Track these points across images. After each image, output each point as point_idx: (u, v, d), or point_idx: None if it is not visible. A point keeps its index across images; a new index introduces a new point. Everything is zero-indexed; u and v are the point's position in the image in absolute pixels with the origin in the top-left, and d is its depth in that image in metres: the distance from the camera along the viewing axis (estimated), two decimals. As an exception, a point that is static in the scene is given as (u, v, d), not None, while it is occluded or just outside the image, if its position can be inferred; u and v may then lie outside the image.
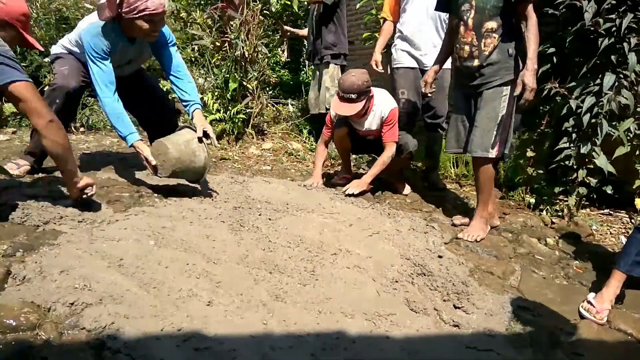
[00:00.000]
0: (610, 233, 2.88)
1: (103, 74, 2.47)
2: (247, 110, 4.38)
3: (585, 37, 2.91)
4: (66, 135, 2.04)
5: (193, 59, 4.93)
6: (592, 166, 2.92)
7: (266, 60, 4.64)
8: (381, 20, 3.90)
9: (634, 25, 2.71)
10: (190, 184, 2.79)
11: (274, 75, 5.40)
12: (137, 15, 2.39)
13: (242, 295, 1.71)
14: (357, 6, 4.91)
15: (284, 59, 6.02)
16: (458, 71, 2.60)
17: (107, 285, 1.60)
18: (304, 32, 4.76)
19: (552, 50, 3.11)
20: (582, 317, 1.93)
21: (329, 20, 4.19)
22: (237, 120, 4.28)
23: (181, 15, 5.91)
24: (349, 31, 5.05)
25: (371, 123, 3.13)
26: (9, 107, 3.95)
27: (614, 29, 2.73)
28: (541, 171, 3.20)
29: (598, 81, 2.82)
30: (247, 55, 4.29)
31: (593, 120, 2.81)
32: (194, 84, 2.81)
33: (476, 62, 2.44)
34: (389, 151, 3.11)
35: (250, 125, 4.45)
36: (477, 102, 2.50)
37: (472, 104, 2.56)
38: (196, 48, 5.10)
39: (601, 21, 2.76)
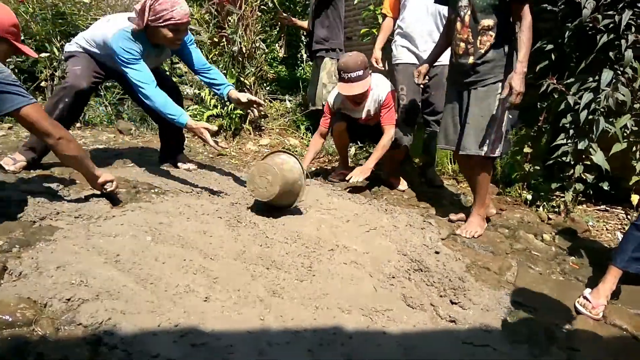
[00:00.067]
0: (607, 229, 2.90)
1: (141, 74, 2.49)
2: (244, 106, 4.37)
3: (583, 34, 2.90)
4: (77, 145, 2.11)
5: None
6: (589, 162, 2.92)
7: (264, 55, 4.63)
8: (380, 17, 3.89)
9: (632, 22, 2.71)
10: (190, 183, 2.78)
11: (271, 71, 5.38)
12: (162, 24, 2.44)
13: (239, 291, 1.71)
14: (355, 1, 4.89)
15: (282, 54, 5.99)
16: (453, 67, 2.60)
17: (103, 281, 1.60)
18: (304, 23, 4.72)
19: (550, 46, 3.10)
20: (578, 312, 1.94)
21: (322, 15, 4.16)
22: (234, 116, 4.28)
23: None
24: (347, 27, 5.04)
25: (369, 108, 3.11)
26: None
27: (612, 25, 2.73)
28: (538, 167, 3.21)
29: (596, 77, 2.82)
30: (244, 51, 4.27)
31: (590, 117, 2.81)
32: (219, 72, 2.93)
33: (471, 60, 2.44)
34: (388, 134, 3.08)
35: (247, 121, 4.44)
36: (470, 100, 2.48)
37: (464, 100, 2.55)
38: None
39: (600, 17, 2.75)
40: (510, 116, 3.39)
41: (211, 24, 4.45)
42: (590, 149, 2.87)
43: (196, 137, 2.66)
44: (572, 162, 2.95)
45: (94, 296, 1.51)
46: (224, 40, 4.42)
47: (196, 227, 2.16)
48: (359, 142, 4.49)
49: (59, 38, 4.21)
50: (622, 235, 2.67)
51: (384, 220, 2.60)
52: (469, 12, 2.39)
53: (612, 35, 2.74)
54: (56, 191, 2.32)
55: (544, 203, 3.10)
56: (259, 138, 4.48)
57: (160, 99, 2.49)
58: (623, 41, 2.71)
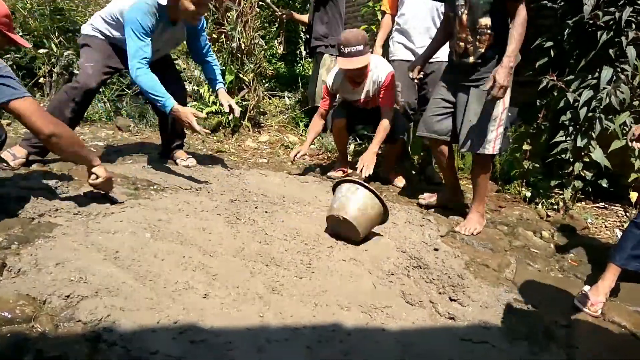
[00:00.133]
0: (605, 226, 2.90)
1: (141, 50, 2.51)
2: (244, 103, 4.36)
3: (583, 31, 2.90)
4: (69, 140, 2.02)
5: (188, 51, 4.89)
6: (588, 160, 2.93)
7: (263, 52, 4.62)
8: (379, 14, 3.88)
9: (632, 19, 2.70)
10: (189, 179, 2.78)
11: (270, 68, 5.36)
12: None
13: (238, 287, 1.71)
14: (355, -2, 4.89)
15: (281, 51, 5.97)
16: (452, 66, 2.59)
17: (102, 277, 1.60)
18: (304, 17, 4.69)
19: (550, 43, 3.10)
20: (577, 309, 1.94)
21: (320, 10, 4.14)
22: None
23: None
24: (347, 23, 5.02)
25: (368, 89, 3.10)
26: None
27: (612, 22, 2.72)
28: (537, 165, 3.21)
29: (596, 75, 2.81)
30: (243, 47, 4.26)
31: (590, 114, 2.81)
32: (219, 67, 3.12)
33: (471, 59, 2.43)
34: (388, 116, 3.07)
35: (246, 117, 4.43)
36: (470, 98, 2.48)
37: (461, 99, 2.55)
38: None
39: (600, 14, 2.75)
40: (510, 114, 3.40)
41: (210, 20, 4.44)
42: (590, 146, 2.87)
43: (183, 123, 2.60)
44: (571, 160, 2.95)
45: (93, 293, 1.50)
46: (222, 36, 4.41)
47: (195, 224, 2.16)
48: (358, 139, 4.49)
49: (57, 34, 4.19)
50: (621, 233, 2.68)
51: (383, 217, 2.60)
52: (467, 12, 2.38)
53: (612, 33, 2.74)
54: (55, 188, 2.32)
55: (543, 200, 3.10)
56: (258, 135, 4.48)
57: (149, 79, 2.51)
58: (623, 38, 2.70)
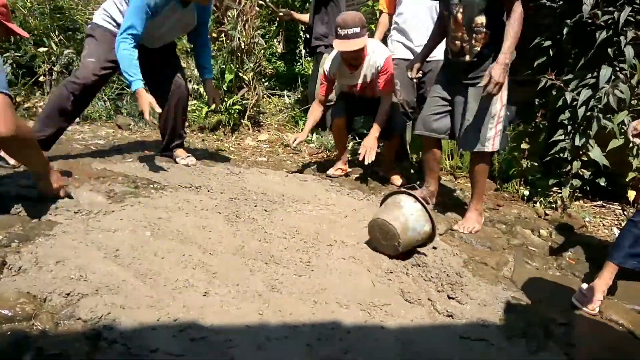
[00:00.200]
0: (603, 225, 2.91)
1: (134, 28, 2.53)
2: (243, 102, 4.36)
3: (582, 30, 2.90)
4: (25, 146, 1.89)
5: (189, 50, 4.89)
6: (586, 158, 2.93)
7: (262, 51, 4.61)
8: (377, 13, 3.89)
9: (631, 19, 2.71)
10: (189, 178, 2.78)
11: (270, 67, 5.36)
12: None
13: (238, 285, 1.71)
14: (354, -3, 4.89)
15: (280, 50, 5.97)
16: (449, 64, 2.60)
17: (103, 275, 1.60)
18: (304, 16, 4.68)
19: (548, 42, 3.10)
20: (574, 307, 1.95)
21: (321, 10, 4.14)
22: (233, 112, 4.27)
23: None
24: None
25: (366, 74, 3.08)
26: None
27: (611, 21, 2.73)
28: (536, 163, 3.22)
29: (594, 74, 2.82)
30: (243, 46, 4.26)
31: (588, 113, 2.82)
32: (210, 57, 3.24)
33: (467, 58, 2.44)
34: (387, 102, 3.07)
35: (246, 116, 4.43)
36: (469, 97, 2.48)
37: (458, 97, 2.55)
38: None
39: (599, 13, 2.75)
40: (508, 112, 3.41)
41: (210, 19, 4.44)
42: (588, 145, 2.88)
43: (139, 107, 2.66)
44: (570, 158, 2.96)
45: (94, 291, 1.51)
46: (222, 35, 4.41)
47: (195, 222, 2.17)
48: (357, 138, 4.49)
49: (57, 32, 4.19)
50: (618, 231, 2.69)
51: (382, 215, 2.60)
52: (461, 10, 2.38)
53: (610, 32, 2.74)
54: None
55: (541, 199, 3.11)
56: (258, 134, 4.48)
57: (128, 56, 2.53)
58: (622, 37, 2.71)
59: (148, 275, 1.67)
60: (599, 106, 2.77)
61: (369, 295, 1.80)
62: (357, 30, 2.85)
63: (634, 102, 2.83)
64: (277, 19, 5.03)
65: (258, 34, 4.44)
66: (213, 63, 4.33)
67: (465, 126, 2.50)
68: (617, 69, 2.78)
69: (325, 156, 4.10)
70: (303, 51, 5.86)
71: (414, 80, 2.89)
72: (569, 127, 2.94)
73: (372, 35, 3.77)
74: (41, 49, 4.02)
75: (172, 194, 2.49)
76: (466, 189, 3.32)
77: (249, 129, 4.43)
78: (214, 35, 4.48)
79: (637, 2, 2.70)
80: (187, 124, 3.55)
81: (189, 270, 1.76)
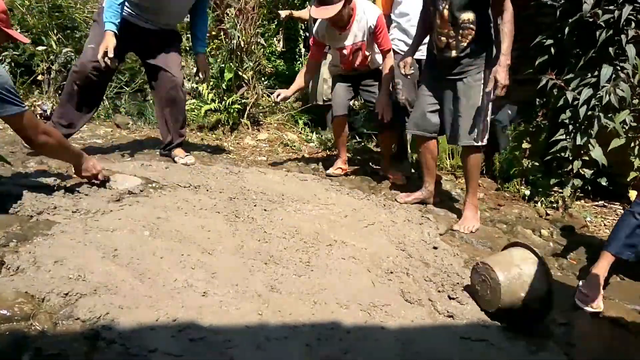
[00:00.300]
0: (604, 225, 2.90)
1: None
2: (243, 101, 4.35)
3: (583, 29, 2.89)
4: (54, 150, 2.18)
5: (188, 48, 4.88)
6: (587, 158, 2.93)
7: (262, 50, 4.60)
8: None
9: (632, 18, 2.70)
10: (187, 177, 2.77)
11: (269, 65, 5.34)
12: None
13: (237, 285, 1.71)
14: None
15: (280, 48, 5.96)
16: (434, 60, 2.59)
17: (101, 275, 1.59)
18: (304, 14, 4.66)
19: (550, 41, 3.09)
20: (577, 308, 1.94)
21: None
22: (232, 111, 4.25)
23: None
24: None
25: (356, 34, 3.06)
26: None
27: (612, 20, 2.72)
28: (537, 163, 3.21)
29: (595, 73, 2.81)
30: (243, 45, 4.25)
31: (589, 113, 2.81)
32: (205, 31, 3.24)
33: (454, 53, 2.44)
34: (390, 58, 3.08)
35: (245, 115, 4.42)
36: (457, 92, 2.50)
37: (445, 92, 2.56)
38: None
39: (600, 12, 2.75)
40: (509, 112, 3.40)
41: (210, 17, 4.43)
42: (589, 145, 2.87)
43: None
44: (571, 158, 2.96)
45: (92, 291, 1.50)
46: (222, 34, 4.40)
47: (194, 221, 2.16)
48: (357, 137, 4.49)
49: (55, 31, 4.17)
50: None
51: (382, 215, 2.60)
52: (447, 6, 2.38)
53: (611, 31, 2.73)
54: (53, 186, 2.31)
55: (542, 199, 3.11)
56: (257, 133, 4.47)
57: (114, 3, 2.58)
58: (623, 36, 2.70)
59: (147, 275, 1.66)
60: (600, 105, 2.76)
61: (369, 295, 1.79)
62: None
63: (635, 101, 2.82)
64: (277, 17, 5.01)
65: (258, 32, 4.42)
66: (212, 62, 4.32)
67: (456, 121, 2.52)
68: (618, 68, 2.77)
69: (325, 155, 4.09)
70: (303, 50, 5.84)
71: (408, 77, 2.89)
72: (570, 127, 2.94)
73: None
74: (39, 48, 4.00)
75: (171, 194, 2.48)
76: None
77: (248, 128, 4.42)
78: (214, 33, 4.46)
79: (638, 1, 2.70)
80: (186, 122, 3.52)
81: (188, 270, 1.75)
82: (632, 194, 2.91)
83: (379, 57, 3.20)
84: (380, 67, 3.21)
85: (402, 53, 3.31)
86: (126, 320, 1.40)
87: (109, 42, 2.58)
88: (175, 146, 3.19)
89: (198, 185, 2.67)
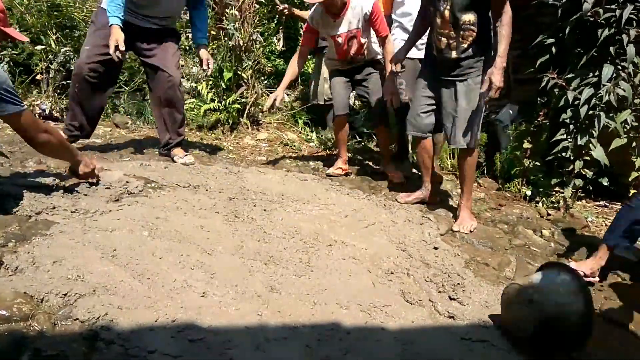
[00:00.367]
0: (606, 225, 2.89)
1: None
2: (242, 100, 4.34)
3: (584, 28, 2.89)
4: (54, 149, 2.15)
5: (187, 47, 4.87)
6: (588, 158, 2.92)
7: (261, 49, 4.59)
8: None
9: (633, 17, 2.70)
10: (187, 177, 2.76)
11: (269, 65, 5.33)
12: None
13: (237, 286, 1.70)
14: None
15: (279, 47, 5.95)
16: (434, 60, 2.59)
17: (100, 275, 1.59)
18: (305, 14, 4.66)
19: (550, 40, 3.09)
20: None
21: None
22: (231, 110, 4.24)
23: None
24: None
25: (350, 21, 3.06)
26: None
27: (613, 19, 2.71)
28: (538, 163, 3.20)
29: (597, 73, 2.81)
30: (242, 44, 4.24)
31: (590, 112, 2.81)
32: (206, 22, 3.23)
33: (454, 54, 2.44)
34: (390, 42, 3.08)
35: (245, 115, 4.41)
36: (457, 94, 2.49)
37: (443, 93, 2.55)
38: (190, 36, 5.03)
39: (601, 11, 2.74)
40: (511, 111, 3.39)
41: (210, 17, 4.41)
42: (590, 145, 2.86)
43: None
44: (572, 158, 2.95)
45: (91, 291, 1.50)
46: (221, 33, 4.38)
47: (193, 222, 2.15)
48: (357, 137, 4.48)
49: (54, 30, 4.16)
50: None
51: (382, 215, 2.59)
52: (448, 7, 2.37)
53: (612, 30, 2.73)
54: (52, 185, 2.30)
55: (544, 199, 3.10)
56: (257, 132, 4.46)
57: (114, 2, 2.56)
58: (624, 36, 2.70)
59: (146, 275, 1.65)
60: (601, 105, 2.76)
61: (369, 296, 1.78)
62: None
63: (637, 100, 2.82)
64: (277, 16, 5.00)
65: (257, 31, 4.41)
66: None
67: (455, 123, 2.51)
68: (620, 67, 2.77)
69: (325, 155, 4.08)
70: (303, 50, 5.84)
71: (399, 74, 2.90)
72: (571, 126, 2.93)
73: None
74: (38, 47, 3.99)
75: (170, 194, 2.47)
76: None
77: (247, 128, 4.41)
78: (213, 32, 4.45)
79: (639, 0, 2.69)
80: (185, 122, 3.51)
81: (187, 270, 1.74)
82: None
83: (375, 47, 3.19)
84: (378, 58, 3.20)
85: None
86: (125, 320, 1.39)
87: (118, 36, 2.57)
88: (174, 146, 3.18)
89: (197, 185, 2.66)
